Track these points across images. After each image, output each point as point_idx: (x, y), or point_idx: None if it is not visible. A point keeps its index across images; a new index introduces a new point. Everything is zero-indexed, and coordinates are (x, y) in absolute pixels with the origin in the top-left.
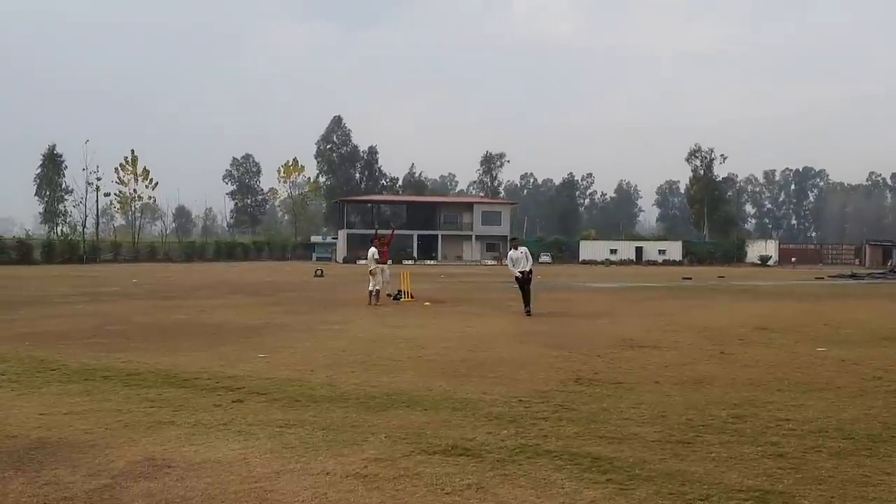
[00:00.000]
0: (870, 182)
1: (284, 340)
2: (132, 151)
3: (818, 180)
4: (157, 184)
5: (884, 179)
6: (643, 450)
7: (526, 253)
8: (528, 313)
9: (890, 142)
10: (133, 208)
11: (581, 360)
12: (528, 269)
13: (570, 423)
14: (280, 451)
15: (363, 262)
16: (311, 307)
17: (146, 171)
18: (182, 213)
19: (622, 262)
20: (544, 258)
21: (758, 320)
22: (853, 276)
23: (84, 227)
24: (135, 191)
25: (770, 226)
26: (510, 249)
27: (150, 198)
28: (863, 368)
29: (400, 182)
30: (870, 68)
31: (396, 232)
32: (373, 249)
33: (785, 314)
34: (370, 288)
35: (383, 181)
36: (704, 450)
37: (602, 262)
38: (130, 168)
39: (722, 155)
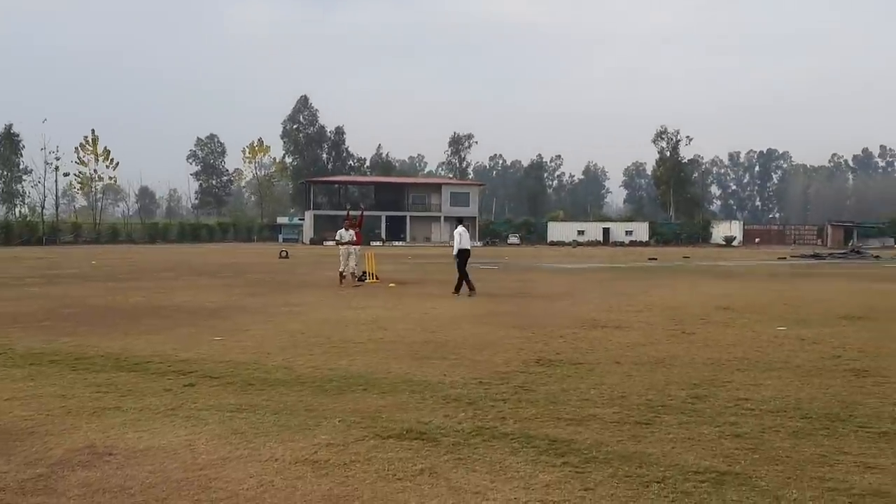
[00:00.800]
0: (832, 164)
1: (242, 323)
2: (93, 131)
3: (782, 162)
4: (118, 164)
5: (846, 161)
6: (601, 431)
7: (466, 231)
8: (459, 293)
9: (852, 124)
10: (94, 189)
11: (543, 340)
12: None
13: (529, 405)
14: (228, 436)
15: (329, 243)
16: (272, 289)
17: (107, 151)
18: (145, 194)
19: (590, 243)
20: (513, 239)
21: (720, 300)
22: (815, 256)
23: (43, 208)
24: (95, 171)
25: (735, 207)
26: (457, 226)
27: (111, 178)
28: (821, 347)
29: (367, 163)
30: (833, 50)
31: (364, 213)
32: (342, 230)
33: (746, 294)
34: (341, 269)
35: (351, 162)
36: (663, 430)
37: (570, 243)
38: (91, 148)
39: (688, 136)
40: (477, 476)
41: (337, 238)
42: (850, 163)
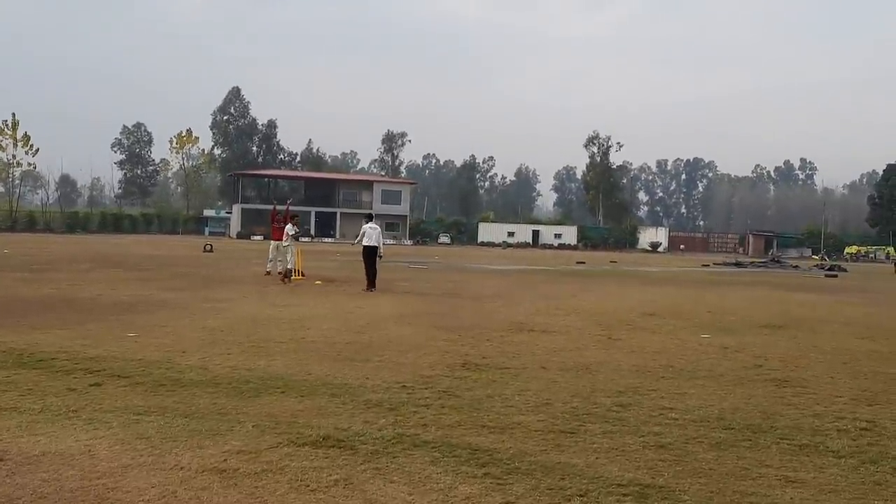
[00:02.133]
0: (755, 175)
1: (159, 318)
2: (13, 115)
3: (707, 171)
4: (38, 150)
5: (768, 172)
6: (525, 440)
7: (375, 228)
8: (370, 290)
9: (774, 136)
10: (11, 175)
11: (470, 343)
12: (376, 246)
13: (453, 411)
14: (132, 441)
15: (257, 237)
16: (194, 283)
17: (27, 137)
18: (66, 182)
19: (519, 245)
20: (443, 239)
21: (645, 306)
22: (737, 264)
23: None
24: (13, 157)
25: (661, 213)
26: (367, 222)
27: (30, 165)
28: (744, 356)
29: (298, 158)
30: (758, 65)
31: (292, 208)
32: (289, 226)
33: (671, 300)
34: (289, 266)
35: (281, 156)
36: (587, 440)
37: (500, 245)
38: (10, 133)
39: (618, 143)
40: (394, 488)
41: (293, 233)
42: (772, 174)
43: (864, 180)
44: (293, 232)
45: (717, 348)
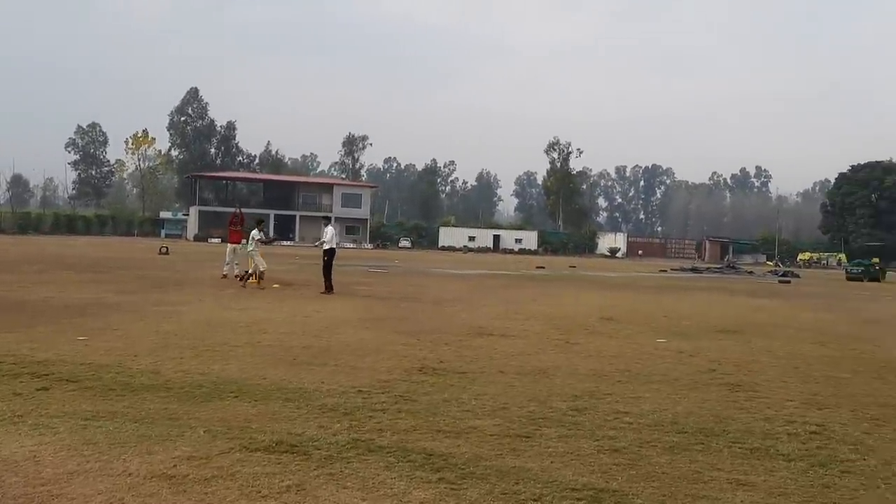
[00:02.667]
0: (711, 182)
1: (111, 321)
2: None
3: (665, 178)
4: None
5: (724, 180)
6: (480, 444)
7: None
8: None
9: (731, 145)
10: None
11: (428, 347)
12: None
13: (409, 416)
14: (80, 447)
15: (215, 240)
16: (148, 286)
17: None
18: (18, 183)
19: (480, 250)
20: (404, 243)
21: (603, 311)
22: (694, 269)
23: None
24: None
25: (620, 219)
26: (328, 226)
27: None
28: (698, 360)
29: (257, 160)
30: (714, 73)
31: (251, 212)
32: (254, 231)
33: (629, 305)
34: (262, 269)
35: (240, 158)
36: (542, 444)
37: (461, 249)
38: None
39: (578, 149)
40: (348, 493)
41: (261, 238)
42: (729, 181)
43: (817, 188)
44: (259, 236)
45: (673, 353)
